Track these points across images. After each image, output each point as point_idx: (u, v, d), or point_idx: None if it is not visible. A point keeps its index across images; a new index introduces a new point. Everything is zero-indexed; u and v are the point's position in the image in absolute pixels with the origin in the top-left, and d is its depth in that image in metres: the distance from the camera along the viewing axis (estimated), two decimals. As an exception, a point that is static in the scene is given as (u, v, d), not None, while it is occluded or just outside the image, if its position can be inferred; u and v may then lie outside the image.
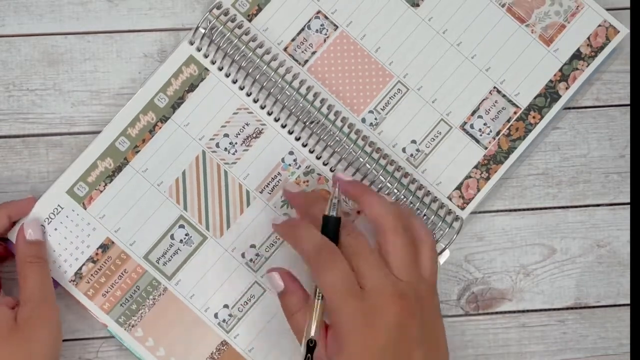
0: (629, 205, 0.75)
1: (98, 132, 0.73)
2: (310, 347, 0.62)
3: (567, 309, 0.74)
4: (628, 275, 0.74)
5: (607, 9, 0.75)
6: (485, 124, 0.73)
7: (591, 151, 0.75)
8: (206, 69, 0.72)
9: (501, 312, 0.74)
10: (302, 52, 0.73)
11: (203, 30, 0.72)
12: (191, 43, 0.72)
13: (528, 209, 0.75)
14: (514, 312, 0.74)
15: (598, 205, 0.75)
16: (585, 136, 0.75)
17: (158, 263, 0.71)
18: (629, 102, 0.75)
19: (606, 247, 0.74)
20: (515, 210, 0.75)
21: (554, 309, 0.74)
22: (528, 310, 0.74)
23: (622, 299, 0.74)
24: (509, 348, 0.74)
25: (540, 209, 0.75)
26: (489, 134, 0.73)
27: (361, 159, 0.71)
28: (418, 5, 0.74)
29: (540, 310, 0.74)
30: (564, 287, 0.74)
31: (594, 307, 0.74)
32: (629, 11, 0.76)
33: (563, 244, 0.75)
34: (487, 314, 0.74)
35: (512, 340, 0.74)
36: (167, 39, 0.74)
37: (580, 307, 0.74)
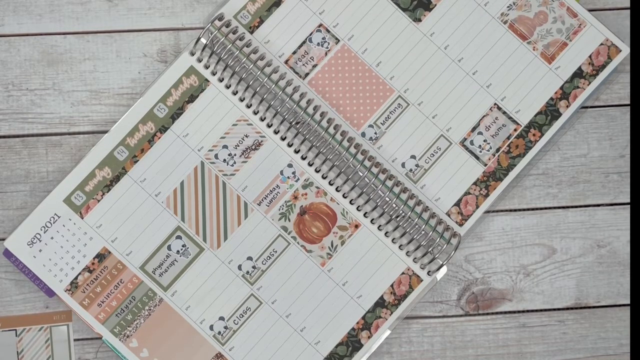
0: (629, 205, 0.75)
1: (97, 132, 0.73)
2: None
3: (567, 309, 0.74)
4: (628, 275, 0.74)
5: (607, 9, 0.75)
6: (485, 141, 0.73)
7: (591, 151, 0.75)
8: (206, 80, 0.72)
9: (501, 312, 0.74)
10: (303, 65, 0.73)
11: (204, 42, 0.72)
12: (192, 54, 0.72)
13: (528, 209, 0.75)
14: (514, 312, 0.74)
15: (598, 205, 0.75)
16: (585, 136, 0.75)
17: (154, 274, 0.71)
18: (629, 102, 0.75)
19: (606, 247, 0.75)
20: (515, 210, 0.75)
21: (554, 309, 0.74)
22: (528, 311, 0.74)
23: (622, 299, 0.74)
24: (509, 348, 0.74)
25: (540, 209, 0.75)
26: (488, 150, 0.73)
27: (360, 173, 0.71)
28: (420, 20, 0.74)
29: (540, 310, 0.74)
30: (564, 287, 0.74)
31: (594, 307, 0.74)
32: (628, 11, 0.76)
33: (563, 244, 0.75)
34: (487, 314, 0.74)
35: (512, 340, 0.74)
36: (166, 38, 0.74)
37: (580, 307, 0.74)
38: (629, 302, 0.74)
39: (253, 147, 0.72)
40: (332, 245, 0.72)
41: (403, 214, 0.71)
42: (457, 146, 0.73)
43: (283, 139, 0.72)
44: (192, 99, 0.72)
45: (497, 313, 0.74)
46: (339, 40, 0.74)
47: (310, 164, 0.72)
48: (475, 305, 0.74)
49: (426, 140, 0.73)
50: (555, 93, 0.74)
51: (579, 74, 0.74)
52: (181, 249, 0.71)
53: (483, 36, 0.74)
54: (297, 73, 0.73)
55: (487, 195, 0.73)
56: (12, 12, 0.74)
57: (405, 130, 0.73)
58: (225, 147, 0.72)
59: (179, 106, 0.72)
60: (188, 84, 0.72)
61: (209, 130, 0.72)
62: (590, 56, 0.74)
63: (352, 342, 0.72)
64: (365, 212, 0.72)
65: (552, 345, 0.74)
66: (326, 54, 0.74)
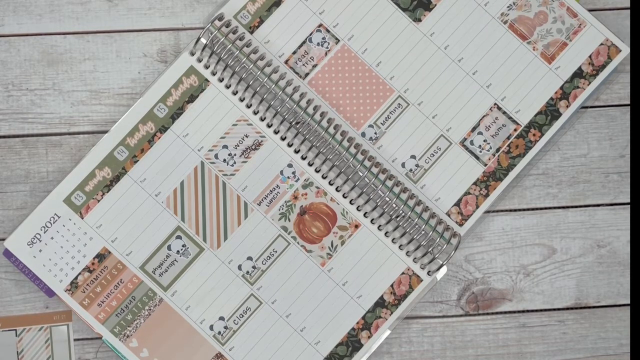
0: (629, 205, 0.75)
1: (97, 132, 0.73)
2: None
3: (567, 309, 0.74)
4: (628, 275, 0.74)
5: (607, 9, 0.75)
6: (485, 141, 0.73)
7: (591, 151, 0.75)
8: (206, 80, 0.72)
9: (501, 312, 0.74)
10: (303, 65, 0.73)
11: (204, 42, 0.71)
12: (192, 54, 0.72)
13: (528, 209, 0.75)
14: (514, 312, 0.74)
15: (598, 205, 0.75)
16: (585, 136, 0.75)
17: (154, 274, 0.71)
18: (629, 102, 0.75)
19: (606, 247, 0.75)
20: (515, 210, 0.75)
21: (554, 309, 0.74)
22: (528, 310, 0.74)
23: (622, 299, 0.74)
24: (509, 348, 0.74)
25: (540, 209, 0.75)
26: (488, 150, 0.73)
27: (360, 173, 0.71)
28: (420, 20, 0.74)
29: (540, 310, 0.74)
30: (564, 287, 0.74)
31: (594, 307, 0.74)
32: (628, 11, 0.76)
33: (563, 244, 0.75)
34: (487, 314, 0.74)
35: (512, 340, 0.74)
36: (166, 38, 0.74)
37: (580, 307, 0.74)
38: (629, 302, 0.74)
39: (253, 147, 0.72)
40: (332, 245, 0.72)
41: (403, 214, 0.71)
42: (457, 146, 0.73)
43: (283, 139, 0.72)
44: (192, 99, 0.72)
45: (497, 313, 0.74)
46: (339, 40, 0.74)
47: (310, 164, 0.72)
48: (475, 305, 0.74)
49: (426, 140, 0.73)
50: (555, 93, 0.74)
51: (579, 74, 0.74)
52: (181, 249, 0.71)
53: (483, 36, 0.74)
54: (297, 73, 0.73)
55: (487, 195, 0.73)
56: (12, 12, 0.74)
57: (405, 130, 0.73)
58: (225, 147, 0.72)
59: (179, 106, 0.72)
60: (188, 84, 0.72)
61: (209, 130, 0.72)
62: (590, 56, 0.74)
63: (352, 342, 0.72)
64: (365, 212, 0.72)
65: (552, 345, 0.74)
66: (326, 54, 0.73)
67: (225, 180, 0.72)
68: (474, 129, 0.73)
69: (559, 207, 0.75)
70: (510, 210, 0.75)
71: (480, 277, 0.74)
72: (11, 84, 0.73)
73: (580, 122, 0.75)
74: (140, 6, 0.74)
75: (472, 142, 0.73)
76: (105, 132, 0.73)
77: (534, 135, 0.73)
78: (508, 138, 0.73)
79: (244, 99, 0.72)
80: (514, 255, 0.74)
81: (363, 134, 0.73)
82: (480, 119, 0.74)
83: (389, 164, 0.73)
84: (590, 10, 0.75)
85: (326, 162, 0.72)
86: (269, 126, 0.72)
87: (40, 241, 0.71)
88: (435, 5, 0.74)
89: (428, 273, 0.72)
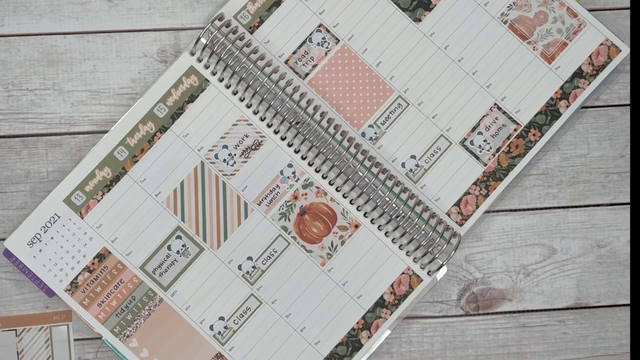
0: (629, 205, 0.75)
1: (97, 132, 0.73)
2: None
3: (567, 309, 0.74)
4: (628, 275, 0.74)
5: (607, 9, 0.75)
6: (485, 141, 0.73)
7: (591, 151, 0.75)
8: (206, 80, 0.72)
9: (501, 312, 0.74)
10: (303, 65, 0.73)
11: (204, 42, 0.72)
12: (192, 54, 0.72)
13: (528, 209, 0.75)
14: (514, 312, 0.74)
15: (598, 205, 0.75)
16: (585, 136, 0.75)
17: (154, 274, 0.71)
18: (629, 102, 0.75)
19: (606, 247, 0.75)
20: (515, 210, 0.75)
21: (554, 309, 0.74)
22: (528, 310, 0.74)
23: (622, 299, 0.75)
24: (509, 348, 0.74)
25: (540, 209, 0.75)
26: (488, 150, 0.73)
27: (360, 173, 0.71)
28: (420, 20, 0.74)
29: (540, 310, 0.74)
30: (564, 287, 0.74)
31: (594, 307, 0.74)
32: (628, 11, 0.76)
33: (563, 244, 0.75)
34: (487, 314, 0.74)
35: (512, 340, 0.74)
36: (166, 38, 0.74)
37: (580, 307, 0.74)
38: (629, 302, 0.74)
39: (253, 147, 0.72)
40: (332, 245, 0.72)
41: (403, 214, 0.71)
42: (457, 146, 0.73)
43: (283, 139, 0.72)
44: (192, 99, 0.72)
45: (497, 313, 0.74)
46: (339, 40, 0.74)
47: (310, 164, 0.72)
48: (475, 305, 0.74)
49: (426, 140, 0.73)
50: (555, 93, 0.74)
51: (579, 74, 0.74)
52: (181, 249, 0.71)
53: (483, 36, 0.74)
54: (297, 73, 0.73)
55: (487, 195, 0.73)
56: (12, 12, 0.74)
57: (405, 130, 0.73)
58: (225, 147, 0.72)
59: (179, 106, 0.72)
60: (188, 84, 0.72)
61: (209, 130, 0.72)
62: (590, 56, 0.74)
63: (352, 342, 0.72)
64: (365, 212, 0.72)
65: (552, 345, 0.74)
66: (326, 54, 0.74)
67: (225, 180, 0.72)
68: (474, 129, 0.73)
69: (559, 207, 0.75)
70: (510, 210, 0.75)
71: (480, 277, 0.74)
72: (11, 84, 0.73)
73: (580, 122, 0.75)
74: (140, 6, 0.74)
75: (472, 142, 0.73)
76: (105, 132, 0.73)
77: (534, 135, 0.73)
78: (508, 138, 0.73)
79: (244, 99, 0.72)
80: (514, 255, 0.74)
81: (363, 134, 0.73)
82: (480, 119, 0.74)
83: (389, 164, 0.73)
84: (590, 10, 0.75)
85: (326, 162, 0.72)
86: (269, 126, 0.72)
87: (40, 241, 0.71)
88: (435, 5, 0.74)
89: (428, 273, 0.72)
